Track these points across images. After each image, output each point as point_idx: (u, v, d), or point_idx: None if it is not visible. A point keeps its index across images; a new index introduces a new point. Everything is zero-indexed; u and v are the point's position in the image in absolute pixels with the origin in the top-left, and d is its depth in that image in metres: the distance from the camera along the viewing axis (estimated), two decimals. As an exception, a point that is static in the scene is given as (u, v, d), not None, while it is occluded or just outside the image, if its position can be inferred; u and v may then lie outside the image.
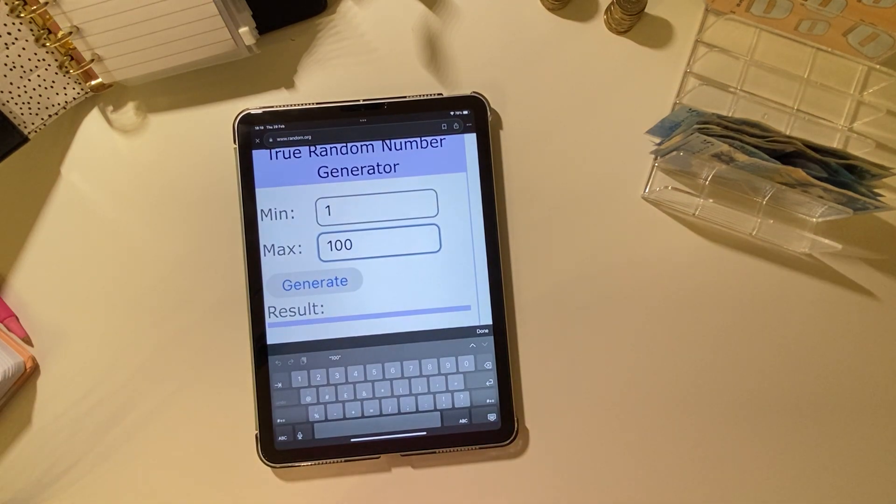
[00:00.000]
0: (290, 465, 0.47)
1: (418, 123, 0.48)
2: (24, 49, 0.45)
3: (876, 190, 0.43)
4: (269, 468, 0.48)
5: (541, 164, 0.50)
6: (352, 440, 0.47)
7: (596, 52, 0.51)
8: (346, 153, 0.48)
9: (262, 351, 0.47)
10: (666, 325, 0.49)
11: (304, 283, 0.48)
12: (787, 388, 0.49)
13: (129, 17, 0.44)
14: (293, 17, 0.50)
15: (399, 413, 0.47)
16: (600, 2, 0.51)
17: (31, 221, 0.49)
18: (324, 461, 0.47)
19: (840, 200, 0.44)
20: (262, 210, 0.48)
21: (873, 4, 0.45)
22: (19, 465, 0.48)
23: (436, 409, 0.47)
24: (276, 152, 0.48)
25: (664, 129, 0.48)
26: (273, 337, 0.47)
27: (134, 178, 0.50)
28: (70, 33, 0.45)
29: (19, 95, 0.45)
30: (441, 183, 0.48)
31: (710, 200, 0.48)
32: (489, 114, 0.49)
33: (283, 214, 0.48)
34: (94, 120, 0.50)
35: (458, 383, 0.47)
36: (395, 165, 0.48)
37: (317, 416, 0.47)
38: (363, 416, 0.47)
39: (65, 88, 0.47)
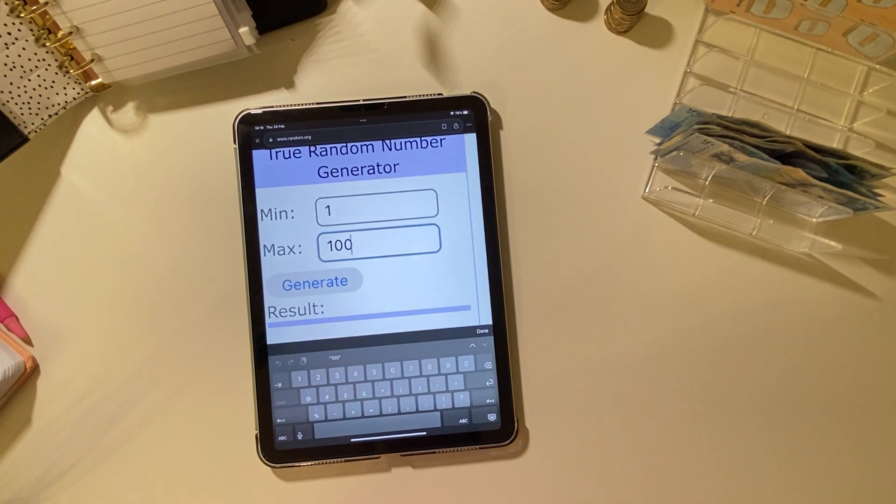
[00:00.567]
0: (290, 465, 0.47)
1: (418, 123, 0.48)
2: (24, 49, 0.45)
3: (876, 190, 0.43)
4: (269, 468, 0.48)
5: (541, 164, 0.50)
6: (352, 440, 0.47)
7: (596, 52, 0.51)
8: (346, 153, 0.48)
9: (262, 351, 0.47)
10: (666, 325, 0.49)
11: (304, 283, 0.48)
12: (787, 388, 0.49)
13: (129, 17, 0.44)
14: (293, 17, 0.50)
15: (399, 413, 0.47)
16: (600, 2, 0.51)
17: (31, 221, 0.49)
18: (324, 461, 0.47)
19: (840, 200, 0.44)
20: (262, 210, 0.48)
21: (873, 4, 0.45)
22: (19, 465, 0.48)
23: (436, 409, 0.47)
24: (276, 152, 0.48)
25: (664, 129, 0.48)
26: (273, 337, 0.47)
27: (134, 179, 0.50)
28: (70, 33, 0.45)
29: (19, 95, 0.45)
30: (441, 183, 0.48)
31: (710, 200, 0.48)
32: (489, 114, 0.49)
33: (283, 214, 0.48)
34: (94, 120, 0.50)
35: (458, 383, 0.47)
36: (395, 165, 0.48)
37: (317, 416, 0.47)
38: (363, 416, 0.47)
39: (65, 88, 0.47)
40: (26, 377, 0.48)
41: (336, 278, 0.48)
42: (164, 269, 0.49)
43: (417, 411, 0.47)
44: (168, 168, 0.50)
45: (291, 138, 0.48)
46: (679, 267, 0.50)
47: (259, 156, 0.48)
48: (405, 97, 0.49)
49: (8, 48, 0.44)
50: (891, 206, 0.43)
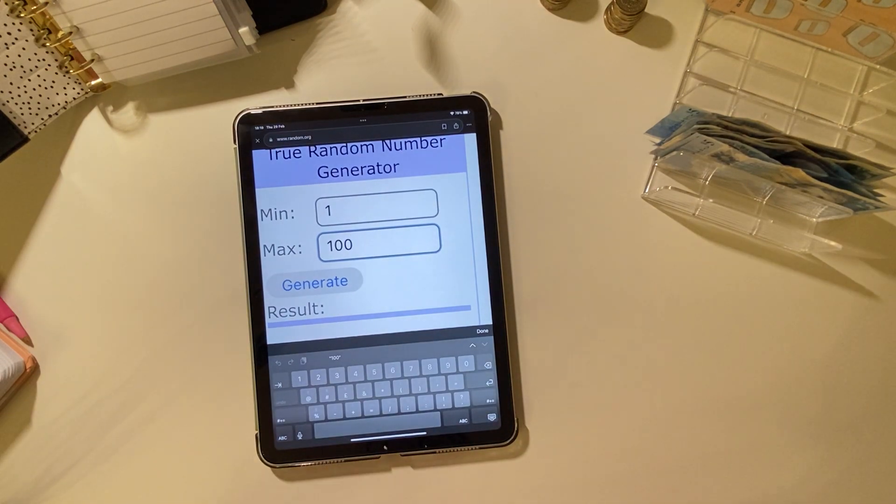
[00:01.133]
0: (290, 465, 0.47)
1: (418, 123, 0.48)
2: (24, 49, 0.45)
3: (876, 190, 0.43)
4: (269, 468, 0.48)
5: (541, 164, 0.50)
6: (352, 440, 0.47)
7: (596, 52, 0.51)
8: (346, 153, 0.48)
9: (262, 351, 0.47)
10: (666, 325, 0.49)
11: (304, 283, 0.48)
12: (787, 388, 0.49)
13: (129, 17, 0.44)
14: (293, 17, 0.50)
15: (399, 413, 0.47)
16: (600, 2, 0.51)
17: (31, 221, 0.49)
18: (324, 461, 0.47)
19: (840, 200, 0.44)
20: (262, 210, 0.48)
21: (873, 4, 0.45)
22: (19, 465, 0.48)
23: (436, 409, 0.47)
24: (276, 152, 0.48)
25: (664, 129, 0.48)
26: (273, 337, 0.47)
27: (134, 178, 0.50)
28: (70, 33, 0.45)
29: (19, 95, 0.45)
30: (441, 183, 0.48)
31: (710, 200, 0.48)
32: (489, 114, 0.49)
33: (283, 214, 0.48)
34: (94, 120, 0.50)
35: (458, 383, 0.47)
36: (395, 165, 0.48)
37: (317, 416, 0.47)
38: (363, 416, 0.47)
39: (65, 88, 0.47)
40: (26, 377, 0.48)
41: (336, 278, 0.48)
42: (164, 269, 0.49)
43: (417, 411, 0.47)
44: (168, 168, 0.50)
45: (291, 138, 0.48)
46: (679, 267, 0.50)
47: (259, 156, 0.48)
48: (405, 97, 0.49)
49: (8, 48, 0.44)
50: (891, 206, 0.43)
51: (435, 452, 0.47)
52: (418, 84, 0.50)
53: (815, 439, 0.49)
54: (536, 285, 0.49)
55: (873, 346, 0.49)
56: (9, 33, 0.44)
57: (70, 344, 0.49)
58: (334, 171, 0.48)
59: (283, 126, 0.48)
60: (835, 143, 0.50)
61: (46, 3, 0.44)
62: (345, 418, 0.47)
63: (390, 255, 0.48)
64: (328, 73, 0.50)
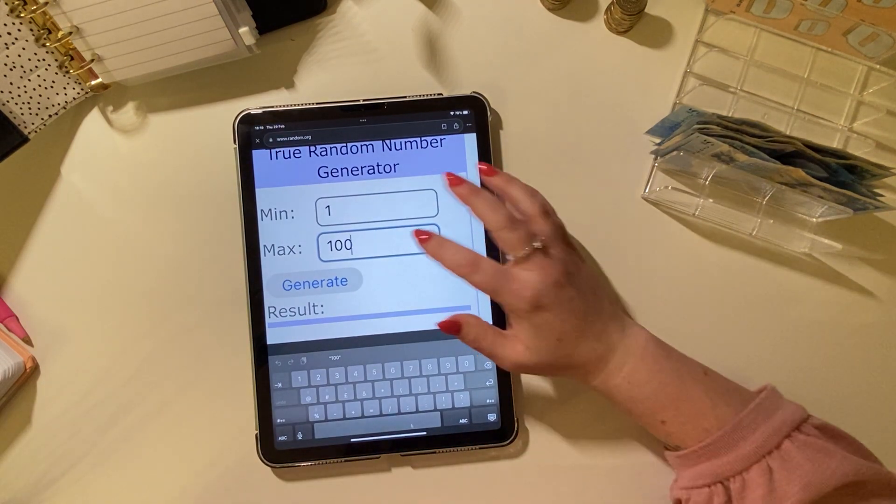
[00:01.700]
0: (290, 465, 0.47)
1: (418, 123, 0.48)
2: (24, 49, 0.45)
3: (876, 190, 0.43)
4: (269, 468, 0.48)
5: (541, 164, 0.50)
6: (352, 440, 0.47)
7: (596, 52, 0.51)
8: (346, 153, 0.48)
9: (262, 351, 0.47)
10: (665, 325, 0.49)
11: (304, 283, 0.48)
12: (787, 388, 0.49)
13: (129, 17, 0.44)
14: (293, 17, 0.50)
15: (399, 413, 0.47)
16: (600, 2, 0.51)
17: (31, 221, 0.49)
18: (324, 461, 0.47)
19: (840, 200, 0.44)
20: (262, 210, 0.48)
21: (873, 4, 0.45)
22: (19, 465, 0.48)
23: (436, 409, 0.47)
24: (276, 152, 0.48)
25: (664, 129, 0.48)
26: (273, 337, 0.47)
27: (134, 178, 0.50)
28: (70, 33, 0.45)
29: (19, 95, 0.45)
30: (441, 183, 0.48)
31: (710, 200, 0.48)
32: (489, 114, 0.49)
33: (283, 214, 0.48)
34: (94, 120, 0.50)
35: (458, 383, 0.47)
36: (394, 165, 0.48)
37: (317, 416, 0.47)
38: (363, 416, 0.47)
39: (65, 88, 0.47)
40: (26, 377, 0.48)
41: (336, 278, 0.48)
42: (164, 269, 0.49)
43: (417, 411, 0.47)
44: (168, 168, 0.50)
45: (291, 138, 0.48)
46: (679, 267, 0.50)
47: (259, 156, 0.48)
48: (405, 97, 0.49)
49: (8, 48, 0.44)
50: (891, 206, 0.43)
51: (435, 452, 0.47)
52: (418, 84, 0.50)
53: (815, 439, 0.49)
54: (536, 285, 0.49)
55: (873, 345, 0.49)
56: (9, 33, 0.44)
57: (70, 344, 0.49)
58: (334, 171, 0.48)
59: (283, 126, 0.48)
60: (835, 143, 0.50)
61: (46, 3, 0.44)
62: (345, 418, 0.47)
63: (390, 255, 0.48)
64: (328, 73, 0.50)
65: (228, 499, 0.48)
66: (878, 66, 0.50)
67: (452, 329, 0.41)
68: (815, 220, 0.50)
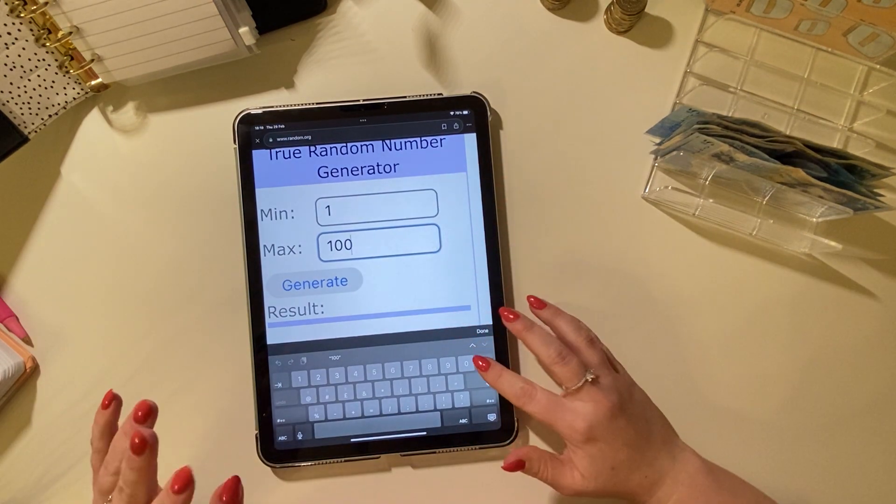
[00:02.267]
0: (290, 465, 0.47)
1: (418, 123, 0.48)
2: (24, 49, 0.45)
3: (876, 190, 0.43)
4: (269, 468, 0.48)
5: (541, 164, 0.50)
6: (352, 440, 0.47)
7: (596, 52, 0.51)
8: (346, 153, 0.48)
9: (262, 351, 0.47)
10: (665, 325, 0.49)
11: (304, 283, 0.48)
12: (787, 388, 0.49)
13: (129, 17, 0.44)
14: (293, 17, 0.50)
15: (399, 413, 0.47)
16: (600, 2, 0.51)
17: (31, 221, 0.49)
18: (324, 461, 0.47)
19: (840, 200, 0.44)
20: (262, 210, 0.48)
21: (873, 4, 0.45)
22: (19, 465, 0.48)
23: (436, 409, 0.47)
24: (276, 152, 0.48)
25: (664, 129, 0.48)
26: (273, 337, 0.47)
27: (134, 178, 0.50)
28: (70, 33, 0.45)
29: (19, 95, 0.45)
30: (441, 183, 0.48)
31: (710, 200, 0.48)
32: (489, 114, 0.49)
33: (283, 214, 0.48)
34: (94, 120, 0.50)
35: (458, 383, 0.47)
36: (395, 165, 0.48)
37: (317, 416, 0.47)
38: (363, 416, 0.47)
39: (65, 88, 0.47)
40: (26, 377, 0.48)
41: (336, 278, 0.48)
42: (164, 269, 0.49)
43: (417, 411, 0.47)
44: (168, 168, 0.50)
45: (291, 138, 0.48)
46: (679, 267, 0.50)
47: (259, 156, 0.48)
48: (405, 97, 0.49)
49: (8, 48, 0.44)
50: (891, 206, 0.43)
51: (435, 452, 0.47)
52: (418, 84, 0.50)
53: (815, 438, 0.49)
54: (536, 285, 0.49)
55: (873, 345, 0.49)
56: (9, 33, 0.44)
57: (70, 344, 0.49)
58: (334, 171, 0.48)
59: (283, 126, 0.48)
60: (835, 143, 0.50)
61: (46, 3, 0.44)
62: (345, 418, 0.47)
63: (390, 255, 0.48)
64: (328, 73, 0.50)
65: (228, 499, 0.48)
66: (878, 66, 0.50)
67: (517, 468, 0.43)
68: (815, 220, 0.50)
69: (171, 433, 0.48)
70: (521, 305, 0.49)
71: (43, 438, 0.48)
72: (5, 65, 0.44)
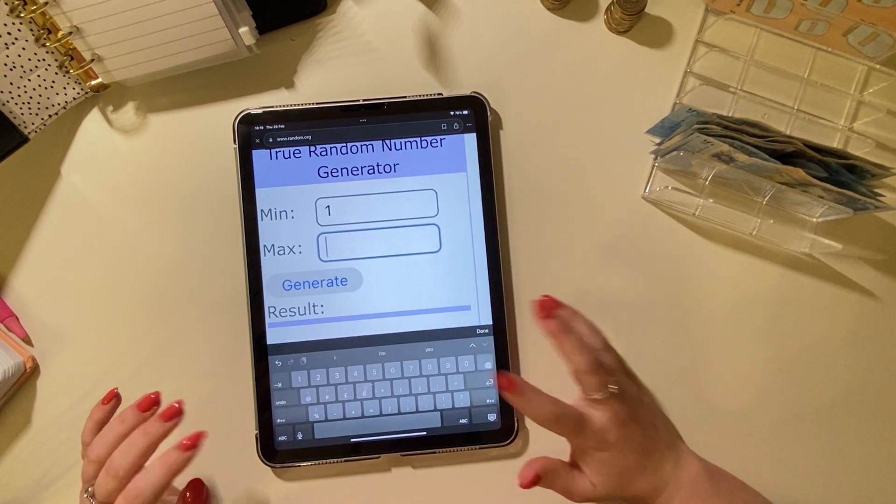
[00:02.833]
0: (290, 465, 0.47)
1: (418, 123, 0.48)
2: (24, 49, 0.45)
3: (876, 190, 0.43)
4: (269, 468, 0.48)
5: (541, 164, 0.50)
6: (352, 440, 0.47)
7: (596, 52, 0.51)
8: (346, 153, 0.48)
9: (262, 351, 0.47)
10: (665, 325, 0.49)
11: (304, 283, 0.48)
12: (787, 388, 0.49)
13: (129, 17, 0.44)
14: (293, 17, 0.50)
15: (399, 413, 0.47)
16: (600, 2, 0.51)
17: (31, 221, 0.49)
18: (324, 461, 0.47)
19: (840, 200, 0.44)
20: (262, 210, 0.48)
21: (873, 4, 0.45)
22: (19, 465, 0.48)
23: (436, 409, 0.47)
24: (276, 152, 0.48)
25: (664, 129, 0.48)
26: (273, 337, 0.47)
27: (134, 178, 0.50)
28: (70, 33, 0.45)
29: (19, 95, 0.45)
30: (441, 183, 0.48)
31: (710, 200, 0.48)
32: (489, 114, 0.49)
33: (283, 214, 0.48)
34: (94, 120, 0.50)
35: (458, 383, 0.47)
36: (394, 165, 0.48)
37: (317, 416, 0.47)
38: (363, 417, 0.47)
39: (65, 88, 0.47)
40: (26, 377, 0.48)
41: (336, 278, 0.48)
42: (164, 269, 0.49)
43: (417, 411, 0.47)
44: (168, 168, 0.50)
45: (291, 138, 0.48)
46: (679, 267, 0.50)
47: (259, 156, 0.48)
48: (405, 97, 0.49)
49: (8, 48, 0.44)
50: (891, 206, 0.43)
51: (435, 452, 0.47)
52: (418, 84, 0.50)
53: (815, 438, 0.49)
54: (536, 285, 0.49)
55: (873, 345, 0.49)
56: (9, 33, 0.44)
57: (70, 344, 0.49)
58: (334, 171, 0.48)
59: (283, 126, 0.48)
60: (835, 143, 0.50)
61: (46, 3, 0.44)
62: (345, 418, 0.47)
63: (390, 255, 0.48)
64: (328, 73, 0.50)
65: (228, 499, 0.48)
66: (878, 66, 0.50)
67: (535, 484, 0.42)
68: (815, 220, 0.50)
69: (171, 433, 0.48)
70: (522, 305, 0.49)
71: (43, 438, 0.48)
72: (5, 65, 0.44)
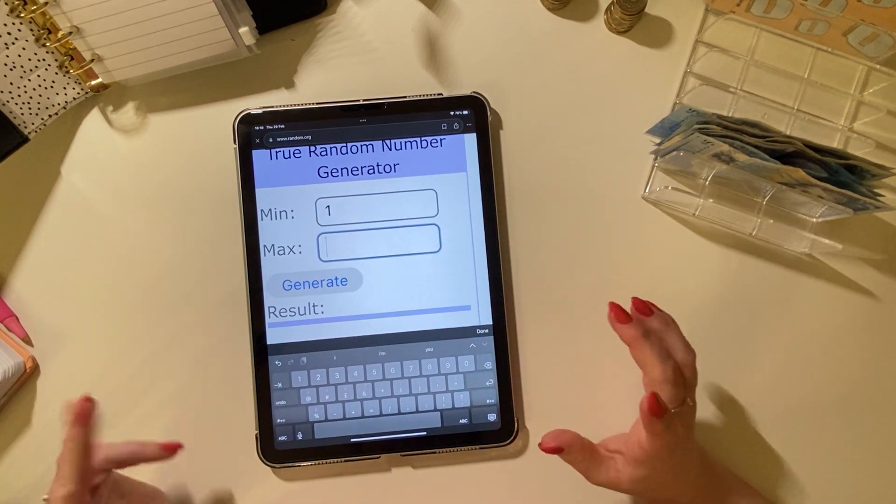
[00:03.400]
0: (290, 465, 0.47)
1: (418, 123, 0.48)
2: (24, 49, 0.45)
3: (876, 190, 0.43)
4: (269, 468, 0.48)
5: (541, 164, 0.50)
6: (352, 440, 0.47)
7: (596, 52, 0.51)
8: (346, 153, 0.48)
9: (262, 351, 0.47)
10: (666, 325, 0.49)
11: (304, 283, 0.48)
12: (787, 388, 0.49)
13: (129, 17, 0.44)
14: (293, 17, 0.50)
15: (399, 413, 0.47)
16: (600, 2, 0.51)
17: (31, 221, 0.49)
18: (324, 461, 0.47)
19: (840, 200, 0.44)
20: (262, 210, 0.48)
21: (873, 4, 0.45)
22: (19, 465, 0.48)
23: (436, 409, 0.47)
24: (276, 152, 0.48)
25: (664, 129, 0.48)
26: (273, 337, 0.47)
27: (134, 178, 0.50)
28: (70, 33, 0.45)
29: (19, 95, 0.45)
30: (441, 183, 0.48)
31: (710, 200, 0.48)
32: (489, 114, 0.49)
33: (283, 214, 0.48)
34: (94, 120, 0.50)
35: (458, 383, 0.47)
36: (394, 165, 0.48)
37: (317, 416, 0.47)
38: (363, 416, 0.47)
39: (65, 88, 0.47)
40: (26, 377, 0.48)
41: (336, 278, 0.48)
42: (164, 269, 0.49)
43: (417, 411, 0.47)
44: (168, 168, 0.50)
45: (291, 138, 0.48)
46: (679, 267, 0.50)
47: (259, 156, 0.48)
48: (405, 97, 0.49)
49: (8, 48, 0.44)
50: (891, 206, 0.43)
51: (435, 452, 0.47)
52: (418, 84, 0.50)
53: (815, 438, 0.49)
54: (536, 285, 0.49)
55: (873, 345, 0.49)
56: (9, 33, 0.44)
57: (70, 344, 0.49)
58: (334, 171, 0.48)
59: (283, 126, 0.48)
60: (835, 143, 0.50)
61: (46, 3, 0.44)
62: (345, 418, 0.47)
63: (390, 255, 0.48)
64: (328, 73, 0.50)
65: (228, 499, 0.48)
66: (878, 66, 0.50)
67: (555, 452, 0.41)
68: (815, 220, 0.50)
69: (171, 433, 0.48)
70: (522, 305, 0.49)
71: (43, 438, 0.48)
72: (5, 65, 0.44)
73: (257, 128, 0.48)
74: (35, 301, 0.49)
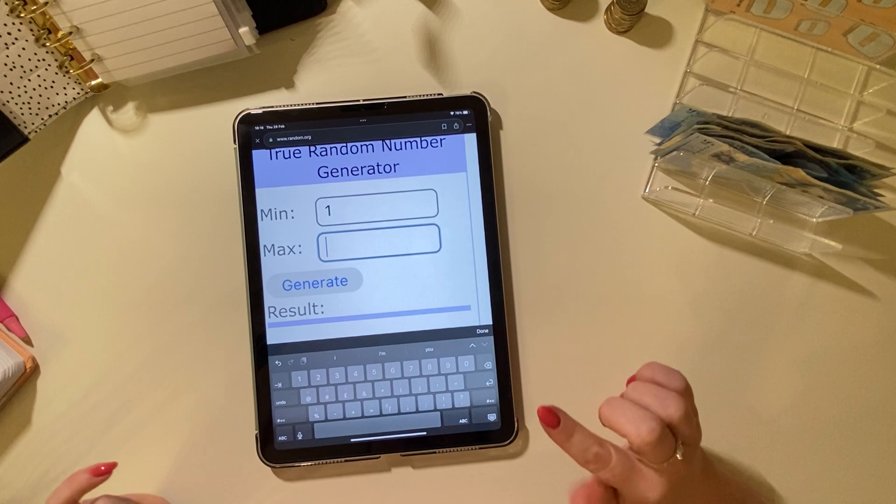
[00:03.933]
0: (290, 465, 0.47)
1: (418, 123, 0.48)
2: (24, 49, 0.45)
3: (876, 190, 0.43)
4: (269, 468, 0.48)
5: (541, 164, 0.50)
6: (352, 440, 0.47)
7: (596, 52, 0.51)
8: (346, 153, 0.48)
9: (262, 351, 0.47)
10: (665, 325, 0.49)
11: (304, 283, 0.48)
12: (787, 388, 0.49)
13: (129, 17, 0.44)
14: (293, 17, 0.50)
15: (399, 413, 0.47)
16: (600, 2, 0.51)
17: (31, 221, 0.49)
18: (324, 461, 0.47)
19: (840, 200, 0.44)
20: (262, 210, 0.48)
21: (873, 4, 0.45)
22: (19, 465, 0.48)
23: (436, 409, 0.47)
24: (276, 152, 0.48)
25: (664, 129, 0.48)
26: (273, 337, 0.47)
27: (134, 178, 0.50)
28: (70, 33, 0.45)
29: (19, 95, 0.45)
30: (441, 183, 0.48)
31: (710, 200, 0.48)
32: (489, 114, 0.49)
33: (283, 214, 0.48)
34: (94, 120, 0.50)
35: (458, 383, 0.47)
36: (395, 165, 0.48)
37: (317, 416, 0.47)
38: (363, 417, 0.47)
39: (65, 88, 0.47)
40: (26, 377, 0.48)
41: (336, 278, 0.48)
42: (164, 269, 0.49)
43: (417, 411, 0.47)
44: (168, 168, 0.50)
45: (291, 138, 0.48)
46: (679, 267, 0.50)
47: (259, 156, 0.48)
48: (405, 97, 0.49)
49: (8, 48, 0.44)
50: (891, 206, 0.43)
51: (435, 452, 0.47)
52: (418, 84, 0.50)
53: (815, 437, 0.49)
54: (536, 285, 0.49)
55: (873, 345, 0.49)
56: (9, 33, 0.44)
57: (70, 344, 0.49)
58: (334, 171, 0.48)
59: (283, 126, 0.48)
60: (835, 143, 0.50)
61: (46, 3, 0.44)
62: (345, 418, 0.47)
63: (390, 255, 0.48)
64: (328, 73, 0.50)
65: (228, 499, 0.48)
66: (878, 66, 0.50)
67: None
68: (815, 220, 0.50)
69: (171, 434, 0.48)
70: (522, 305, 0.49)
71: (43, 438, 0.48)
72: (5, 65, 0.44)
73: (257, 128, 0.48)
74: (35, 301, 0.49)
